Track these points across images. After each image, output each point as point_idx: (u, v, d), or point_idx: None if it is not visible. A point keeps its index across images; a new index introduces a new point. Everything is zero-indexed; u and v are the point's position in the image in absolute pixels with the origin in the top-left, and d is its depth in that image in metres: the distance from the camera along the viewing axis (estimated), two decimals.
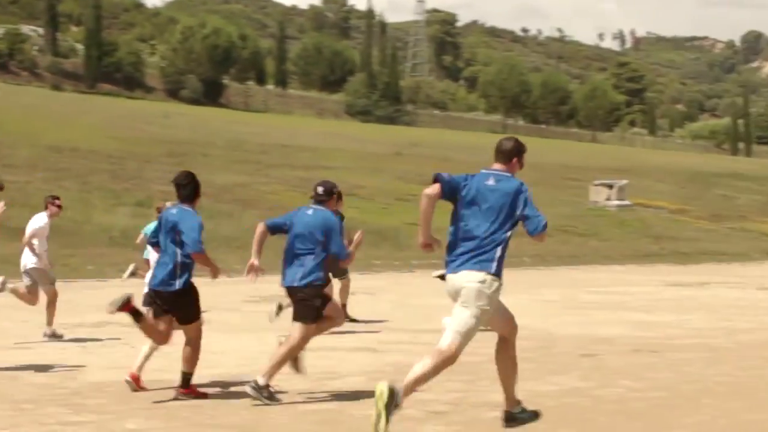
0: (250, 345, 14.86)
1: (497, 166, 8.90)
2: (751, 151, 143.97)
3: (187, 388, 10.58)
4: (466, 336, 8.64)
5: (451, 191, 8.62)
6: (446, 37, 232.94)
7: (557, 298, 23.99)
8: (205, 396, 10.69)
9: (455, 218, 8.69)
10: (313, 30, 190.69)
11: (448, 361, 8.68)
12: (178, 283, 10.37)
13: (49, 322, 15.44)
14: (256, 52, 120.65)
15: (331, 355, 14.04)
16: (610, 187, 54.41)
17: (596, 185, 55.47)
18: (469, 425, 9.37)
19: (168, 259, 10.46)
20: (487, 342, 9.63)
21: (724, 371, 12.62)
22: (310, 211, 10.68)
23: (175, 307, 10.48)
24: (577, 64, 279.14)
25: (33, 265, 15.42)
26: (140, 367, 10.94)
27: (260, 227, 10.67)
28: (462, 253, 8.51)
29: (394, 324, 17.49)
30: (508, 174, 8.85)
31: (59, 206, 15.90)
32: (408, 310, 20.11)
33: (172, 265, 10.39)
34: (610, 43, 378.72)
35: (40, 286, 15.51)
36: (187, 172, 10.91)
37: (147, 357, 10.98)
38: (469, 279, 8.38)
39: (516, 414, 8.94)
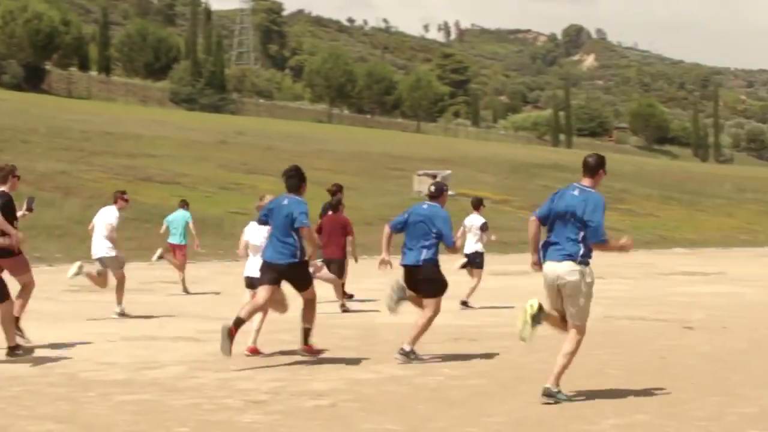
0: (67, 334, 14.56)
1: (585, 181, 10.48)
2: (572, 143, 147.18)
3: (308, 345, 12.52)
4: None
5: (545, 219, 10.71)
6: (272, 25, 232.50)
7: (378, 287, 24.09)
8: (320, 353, 12.62)
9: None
10: (137, 16, 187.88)
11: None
12: (298, 257, 12.22)
13: (119, 301, 17.43)
14: (80, 38, 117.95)
15: (152, 345, 13.88)
16: (434, 177, 54.86)
17: (420, 175, 55.94)
18: (289, 414, 9.33)
19: (291, 240, 12.23)
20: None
21: (541, 358, 12.81)
22: (425, 206, 13.09)
23: (295, 277, 12.29)
24: (402, 54, 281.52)
25: (106, 254, 17.37)
26: (254, 340, 13.07)
27: (386, 230, 13.38)
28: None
29: (216, 313, 17.33)
30: (591, 189, 10.37)
31: (126, 200, 18.12)
32: (229, 300, 19.96)
33: (293, 245, 12.23)
34: (435, 35, 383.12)
35: (111, 270, 17.49)
36: (295, 166, 13.22)
37: (258, 331, 13.08)
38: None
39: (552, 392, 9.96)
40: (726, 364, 12.66)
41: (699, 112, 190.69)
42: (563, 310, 10.18)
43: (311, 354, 12.51)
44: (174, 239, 23.59)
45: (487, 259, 21.47)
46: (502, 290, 23.96)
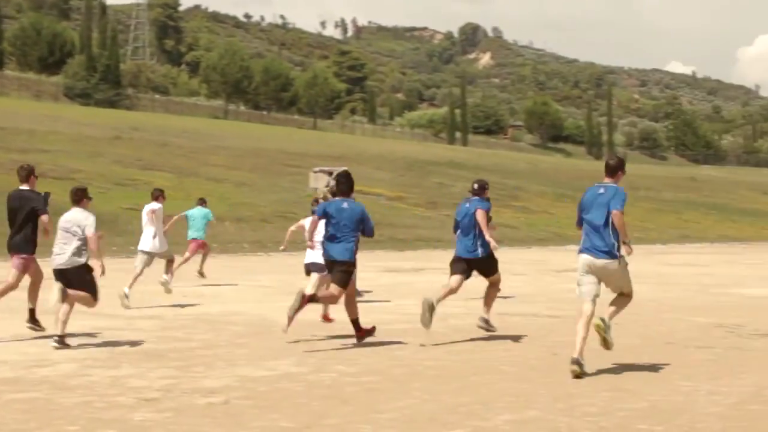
0: None
1: (606, 179, 12.13)
2: (468, 141, 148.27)
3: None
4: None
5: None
6: (168, 21, 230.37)
7: (274, 284, 24.05)
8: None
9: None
10: (31, 10, 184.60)
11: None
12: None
13: (167, 271, 20.07)
14: None
15: (42, 342, 13.65)
16: (330, 173, 54.81)
17: (316, 172, 55.77)
18: (181, 412, 9.24)
19: (354, 240, 13.93)
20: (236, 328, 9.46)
21: (434, 355, 12.90)
22: (468, 204, 14.95)
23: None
24: (299, 51, 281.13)
25: (153, 248, 18.84)
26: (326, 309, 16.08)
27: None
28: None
29: (109, 310, 17.11)
30: (614, 184, 12.03)
31: (164, 197, 19.77)
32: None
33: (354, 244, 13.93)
34: (332, 32, 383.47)
35: (159, 257, 19.51)
36: (346, 172, 14.70)
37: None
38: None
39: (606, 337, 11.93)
40: (617, 360, 12.80)
41: (593, 110, 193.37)
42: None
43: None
44: (194, 234, 25.08)
45: (383, 255, 21.60)
46: (396, 287, 24.06)
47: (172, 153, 62.56)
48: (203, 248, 25.21)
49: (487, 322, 14.74)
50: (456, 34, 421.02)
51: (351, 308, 14.09)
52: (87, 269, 13.55)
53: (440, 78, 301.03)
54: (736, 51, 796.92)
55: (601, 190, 11.96)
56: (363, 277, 26.18)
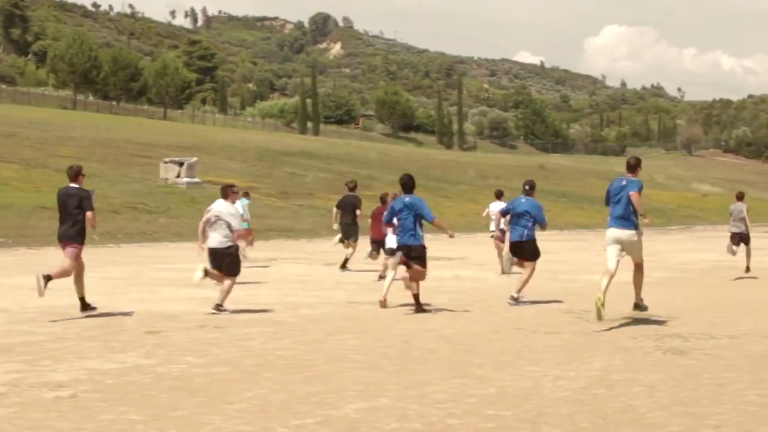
0: None
1: (628, 174, 15.91)
2: (319, 130, 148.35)
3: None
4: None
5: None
6: (14, 9, 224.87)
7: (124, 276, 23.72)
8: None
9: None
10: None
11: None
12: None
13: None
14: None
15: None
16: (181, 164, 54.42)
17: (166, 162, 55.31)
18: (27, 406, 9.04)
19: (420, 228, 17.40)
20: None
21: (285, 345, 12.85)
22: (523, 199, 19.03)
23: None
24: (148, 41, 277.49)
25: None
26: (386, 293, 17.78)
27: (497, 216, 21.60)
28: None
29: None
30: (633, 177, 15.83)
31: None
32: None
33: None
34: (181, 21, 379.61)
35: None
36: (409, 175, 18.27)
37: (390, 284, 17.93)
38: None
39: (641, 304, 16.15)
40: (467, 347, 12.93)
41: (443, 100, 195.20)
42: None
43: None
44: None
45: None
46: (248, 277, 23.91)
47: (19, 144, 61.24)
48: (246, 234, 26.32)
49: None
50: (306, 24, 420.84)
51: (417, 284, 17.29)
52: (233, 251, 16.83)
53: (291, 68, 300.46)
54: (582, 41, 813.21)
55: (624, 182, 15.74)
56: None
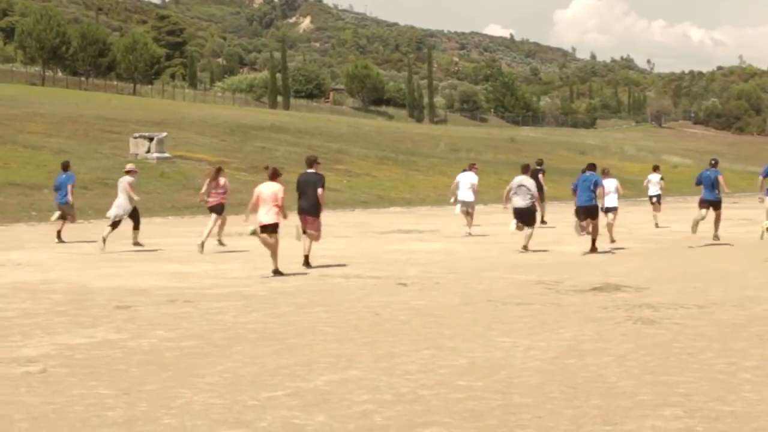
0: None
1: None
2: (289, 105, 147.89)
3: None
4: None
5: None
6: None
7: (94, 251, 23.61)
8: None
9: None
10: None
11: None
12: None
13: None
14: None
15: None
16: (150, 139, 54.14)
17: (136, 138, 55.01)
18: None
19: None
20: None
21: (256, 319, 12.84)
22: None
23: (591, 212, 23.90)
24: (117, 16, 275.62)
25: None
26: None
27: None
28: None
29: None
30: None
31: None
32: None
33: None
34: None
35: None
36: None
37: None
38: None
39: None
40: (438, 318, 12.95)
41: (413, 74, 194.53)
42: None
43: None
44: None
45: (205, 220, 21.52)
46: (219, 251, 23.88)
47: None
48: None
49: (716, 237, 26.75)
50: None
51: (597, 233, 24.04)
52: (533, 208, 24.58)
53: (261, 42, 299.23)
54: (552, 14, 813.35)
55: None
56: (185, 243, 25.97)
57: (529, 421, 7.63)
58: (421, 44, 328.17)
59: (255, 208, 18.69)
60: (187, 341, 11.13)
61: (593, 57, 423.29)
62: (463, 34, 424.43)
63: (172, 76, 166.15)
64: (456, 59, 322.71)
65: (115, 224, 24.73)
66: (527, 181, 24.22)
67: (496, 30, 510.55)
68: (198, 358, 10.13)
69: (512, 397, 8.43)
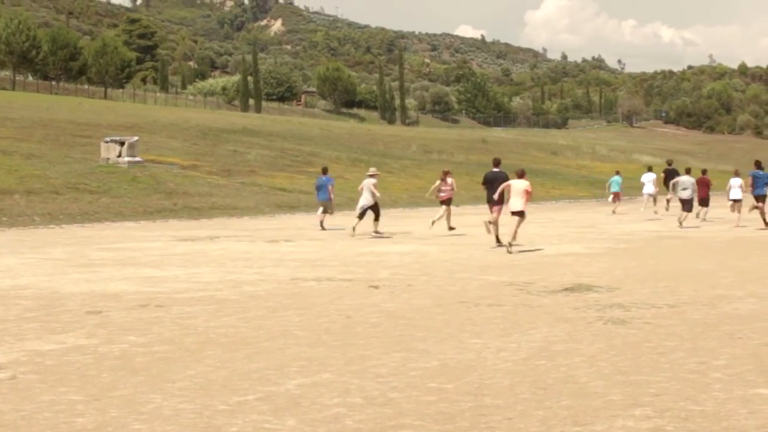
0: None
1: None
2: (261, 108, 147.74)
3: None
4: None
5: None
6: None
7: (65, 256, 23.52)
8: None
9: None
10: None
11: None
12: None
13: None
14: None
15: None
16: (122, 143, 53.95)
17: (107, 142, 54.80)
18: None
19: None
20: None
21: (227, 323, 12.80)
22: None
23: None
24: (87, 20, 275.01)
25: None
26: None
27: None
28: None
29: None
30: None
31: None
32: None
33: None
34: (121, 0, 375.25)
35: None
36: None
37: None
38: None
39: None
40: (410, 321, 12.95)
41: (385, 75, 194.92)
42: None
43: None
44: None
45: (177, 224, 21.43)
46: (191, 255, 23.81)
47: None
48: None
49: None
50: (246, 1, 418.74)
51: None
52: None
53: (232, 45, 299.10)
54: (523, 14, 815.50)
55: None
56: (157, 247, 25.91)
57: (499, 423, 7.64)
58: (392, 46, 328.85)
59: (501, 197, 25.94)
60: (159, 346, 11.09)
61: (564, 57, 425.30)
62: (435, 35, 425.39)
63: (144, 80, 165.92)
64: (427, 60, 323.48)
65: (361, 215, 31.07)
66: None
67: (467, 31, 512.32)
68: (169, 363, 10.09)
69: (483, 399, 8.44)
